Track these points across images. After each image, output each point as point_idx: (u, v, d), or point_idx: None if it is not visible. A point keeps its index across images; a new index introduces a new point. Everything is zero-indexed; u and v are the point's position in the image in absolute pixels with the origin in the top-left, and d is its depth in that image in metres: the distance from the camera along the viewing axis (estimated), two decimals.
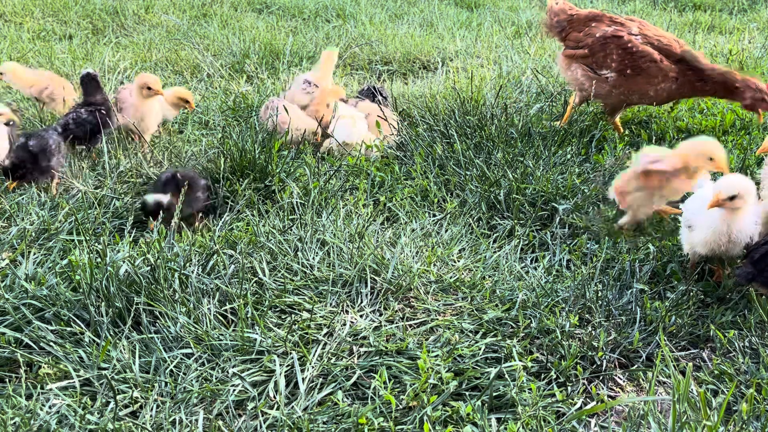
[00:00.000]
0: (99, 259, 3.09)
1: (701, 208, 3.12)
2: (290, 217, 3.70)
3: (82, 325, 2.83)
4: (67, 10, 8.33)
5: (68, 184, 4.10)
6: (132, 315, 2.90)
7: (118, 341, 2.77)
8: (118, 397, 2.47)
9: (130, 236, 3.47)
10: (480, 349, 2.79)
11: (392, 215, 3.90)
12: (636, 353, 2.89)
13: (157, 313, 2.90)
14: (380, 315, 3.02)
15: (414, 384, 2.58)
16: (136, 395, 2.54)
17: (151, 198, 3.60)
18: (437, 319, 2.99)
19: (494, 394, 2.57)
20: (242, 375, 2.62)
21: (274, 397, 2.54)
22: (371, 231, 3.57)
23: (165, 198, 3.56)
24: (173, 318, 2.87)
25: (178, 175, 3.71)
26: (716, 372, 2.76)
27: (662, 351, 2.76)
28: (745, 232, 3.11)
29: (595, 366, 2.81)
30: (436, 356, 2.71)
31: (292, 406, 2.50)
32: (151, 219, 3.54)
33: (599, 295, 3.13)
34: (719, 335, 2.89)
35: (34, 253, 3.27)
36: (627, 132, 4.91)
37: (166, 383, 2.59)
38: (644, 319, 3.02)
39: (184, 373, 2.65)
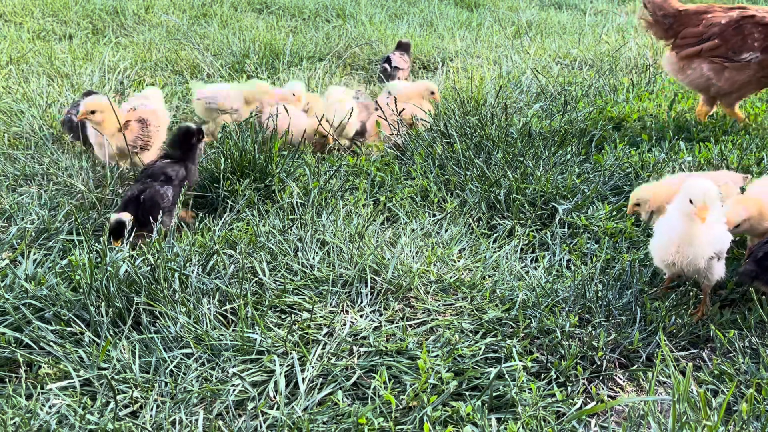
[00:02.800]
0: (99, 259, 3.08)
1: (665, 216, 3.04)
2: (290, 217, 3.70)
3: (82, 325, 2.83)
4: (67, 10, 8.32)
5: (68, 184, 4.10)
6: (132, 315, 2.90)
7: (118, 341, 2.77)
8: (118, 397, 2.47)
9: (130, 236, 3.47)
10: (480, 349, 2.78)
11: (392, 215, 3.90)
12: (636, 353, 2.89)
13: (157, 313, 2.90)
14: (380, 315, 3.02)
15: (414, 384, 2.58)
16: (136, 395, 2.54)
17: (113, 217, 3.41)
18: (437, 319, 2.99)
19: (494, 394, 2.57)
20: (242, 375, 2.62)
21: (274, 397, 2.54)
22: (371, 231, 3.57)
23: (127, 217, 3.39)
24: (173, 318, 2.87)
25: (142, 196, 3.53)
26: (716, 372, 2.76)
27: (662, 351, 2.76)
28: (703, 246, 2.91)
29: (595, 366, 2.81)
30: (436, 356, 2.71)
31: (292, 406, 2.50)
32: (113, 239, 3.34)
33: (599, 295, 3.13)
34: (719, 335, 2.89)
35: (34, 253, 3.27)
36: (627, 132, 4.91)
37: (166, 383, 2.59)
38: (644, 319, 3.02)
39: (184, 373, 2.65)
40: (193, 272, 3.09)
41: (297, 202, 3.83)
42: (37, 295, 2.92)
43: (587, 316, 3.06)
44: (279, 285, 3.14)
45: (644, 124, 4.96)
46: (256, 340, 2.75)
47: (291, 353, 2.70)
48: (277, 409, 2.47)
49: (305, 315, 2.95)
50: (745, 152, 4.34)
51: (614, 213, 3.82)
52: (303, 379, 2.59)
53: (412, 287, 3.16)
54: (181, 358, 2.72)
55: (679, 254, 2.94)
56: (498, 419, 2.49)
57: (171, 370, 2.66)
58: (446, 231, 3.71)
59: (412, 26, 8.52)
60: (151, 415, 2.45)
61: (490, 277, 3.35)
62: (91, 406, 2.48)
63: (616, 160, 4.35)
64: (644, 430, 2.40)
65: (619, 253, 3.49)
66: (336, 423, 2.43)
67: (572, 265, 3.47)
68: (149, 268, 3.05)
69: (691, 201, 2.84)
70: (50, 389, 2.54)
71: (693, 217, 2.85)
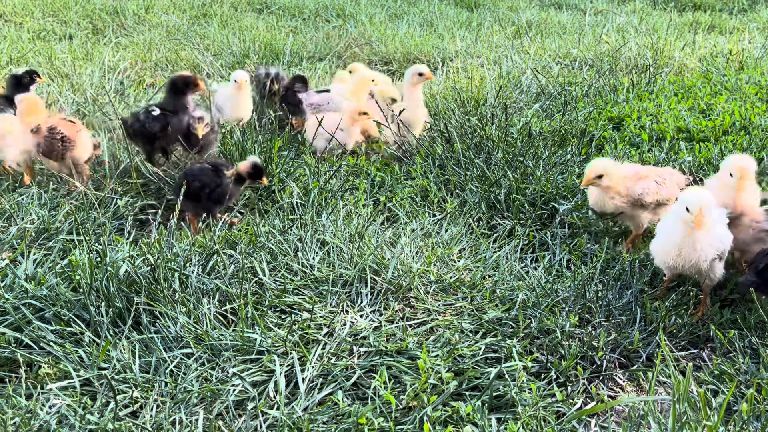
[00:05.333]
0: (99, 259, 3.08)
1: (666, 219, 3.05)
2: (290, 217, 3.70)
3: (82, 325, 2.83)
4: (67, 10, 8.33)
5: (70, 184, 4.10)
6: (132, 315, 2.89)
7: (118, 341, 2.77)
8: (118, 397, 2.46)
9: (130, 236, 3.47)
10: (480, 349, 2.78)
11: (392, 215, 3.90)
12: (636, 353, 2.89)
13: (157, 313, 2.90)
14: (380, 315, 3.02)
15: (414, 384, 2.58)
16: (136, 395, 2.54)
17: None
18: (437, 319, 2.99)
19: (494, 394, 2.57)
20: (242, 375, 2.62)
21: (274, 397, 2.54)
22: (371, 231, 3.57)
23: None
24: (173, 318, 2.87)
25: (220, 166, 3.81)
26: (716, 372, 2.76)
27: (662, 351, 2.76)
28: (705, 249, 2.92)
29: (595, 366, 2.81)
30: (436, 356, 2.71)
31: (292, 406, 2.50)
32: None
33: (599, 295, 3.13)
34: (719, 335, 2.89)
35: (34, 253, 3.27)
36: (627, 132, 4.91)
37: (166, 383, 2.59)
38: (644, 319, 3.02)
39: (184, 373, 2.65)
40: (193, 272, 3.09)
41: (297, 202, 3.83)
42: (37, 295, 2.92)
43: (587, 316, 3.06)
44: (279, 285, 3.14)
45: (644, 124, 4.96)
46: (256, 340, 2.75)
47: (291, 353, 2.70)
48: (277, 409, 2.47)
49: (305, 315, 2.95)
50: (745, 152, 4.33)
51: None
52: (303, 379, 2.59)
53: (412, 287, 3.16)
54: (181, 358, 2.72)
55: (681, 258, 2.95)
56: (498, 419, 2.49)
57: (171, 370, 2.65)
58: (446, 231, 3.71)
59: (412, 26, 8.52)
60: (151, 415, 2.45)
61: (490, 277, 3.35)
62: (91, 406, 2.48)
63: (616, 160, 4.34)
64: (644, 430, 2.40)
65: (619, 253, 3.49)
66: (336, 423, 2.43)
67: (572, 265, 3.47)
68: (149, 268, 3.05)
69: (687, 209, 2.84)
70: (50, 389, 2.54)
71: (690, 224, 2.86)
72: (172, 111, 4.19)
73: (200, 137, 4.18)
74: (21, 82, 4.79)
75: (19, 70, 5.02)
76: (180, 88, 4.23)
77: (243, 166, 3.77)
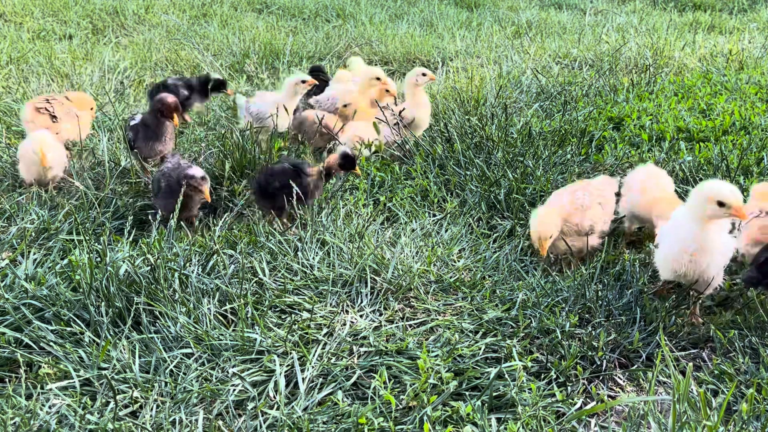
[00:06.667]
0: (99, 259, 3.08)
1: (670, 225, 3.00)
2: (290, 217, 3.70)
3: (82, 325, 2.82)
4: (67, 10, 8.33)
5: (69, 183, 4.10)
6: (132, 315, 2.89)
7: (118, 341, 2.77)
8: (118, 397, 2.46)
9: (130, 236, 3.47)
10: (480, 349, 2.78)
11: (392, 215, 3.90)
12: (636, 353, 2.89)
13: (157, 313, 2.90)
14: (380, 315, 3.01)
15: (414, 384, 2.58)
16: (136, 395, 2.54)
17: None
18: (437, 319, 2.99)
19: (494, 394, 2.57)
20: (242, 375, 2.62)
21: (274, 397, 2.54)
22: (371, 231, 3.57)
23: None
24: (173, 318, 2.87)
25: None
26: (716, 372, 2.76)
27: (662, 351, 2.76)
28: (716, 256, 2.88)
29: (595, 366, 2.81)
30: (436, 356, 2.71)
31: (292, 406, 2.50)
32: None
33: (599, 295, 3.13)
34: (719, 335, 2.89)
35: (34, 253, 3.27)
36: (627, 132, 4.91)
37: (166, 383, 2.59)
38: (644, 319, 3.02)
39: (184, 373, 2.65)
40: (193, 272, 3.09)
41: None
42: (37, 295, 2.92)
43: (587, 316, 3.06)
44: (279, 285, 3.14)
45: (644, 124, 4.96)
46: (256, 340, 2.75)
47: (291, 353, 2.70)
48: (277, 409, 2.47)
49: (305, 315, 2.95)
50: (745, 152, 4.34)
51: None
52: (303, 379, 2.59)
53: (412, 287, 3.16)
54: (181, 358, 2.72)
55: (693, 263, 2.89)
56: (498, 419, 2.49)
57: (171, 370, 2.65)
58: (446, 231, 3.71)
59: (412, 26, 8.53)
60: (151, 415, 2.45)
61: (490, 277, 3.35)
62: (91, 406, 2.48)
63: (616, 160, 4.35)
64: (644, 430, 2.40)
65: (620, 253, 3.49)
66: (336, 423, 2.43)
67: (572, 264, 3.47)
68: (149, 268, 3.05)
69: (720, 204, 2.75)
70: (50, 389, 2.54)
71: (712, 221, 2.80)
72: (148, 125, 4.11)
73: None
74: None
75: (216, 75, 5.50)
76: (155, 112, 4.12)
77: (332, 158, 3.77)
